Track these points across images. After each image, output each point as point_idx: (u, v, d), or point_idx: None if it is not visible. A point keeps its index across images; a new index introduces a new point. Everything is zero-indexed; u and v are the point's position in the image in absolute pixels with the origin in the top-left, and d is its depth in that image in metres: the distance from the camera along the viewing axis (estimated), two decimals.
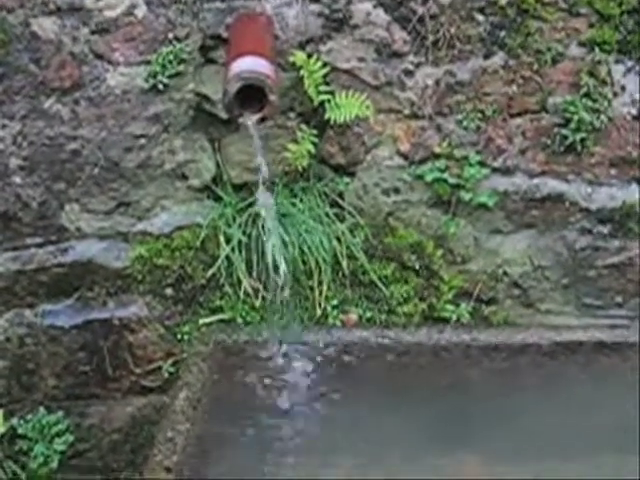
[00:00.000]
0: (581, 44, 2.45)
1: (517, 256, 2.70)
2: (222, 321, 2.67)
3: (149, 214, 2.60)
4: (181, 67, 2.45)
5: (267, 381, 2.48)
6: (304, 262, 2.60)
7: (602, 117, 2.47)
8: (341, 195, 2.66)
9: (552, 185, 2.61)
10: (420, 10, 2.44)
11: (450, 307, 2.72)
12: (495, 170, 2.59)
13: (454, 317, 2.71)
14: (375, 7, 2.44)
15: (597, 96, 2.46)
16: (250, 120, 2.13)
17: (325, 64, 2.47)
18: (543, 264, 2.70)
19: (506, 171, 2.60)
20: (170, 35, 2.43)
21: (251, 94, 2.13)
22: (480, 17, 2.44)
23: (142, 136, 2.51)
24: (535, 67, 2.46)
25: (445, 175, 2.55)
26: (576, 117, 2.46)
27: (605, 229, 2.64)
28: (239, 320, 2.67)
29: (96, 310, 2.66)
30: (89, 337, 2.67)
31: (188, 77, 2.48)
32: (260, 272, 2.60)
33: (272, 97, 2.07)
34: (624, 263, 2.68)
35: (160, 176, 2.57)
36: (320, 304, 2.66)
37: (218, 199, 2.63)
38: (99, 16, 2.38)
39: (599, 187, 2.61)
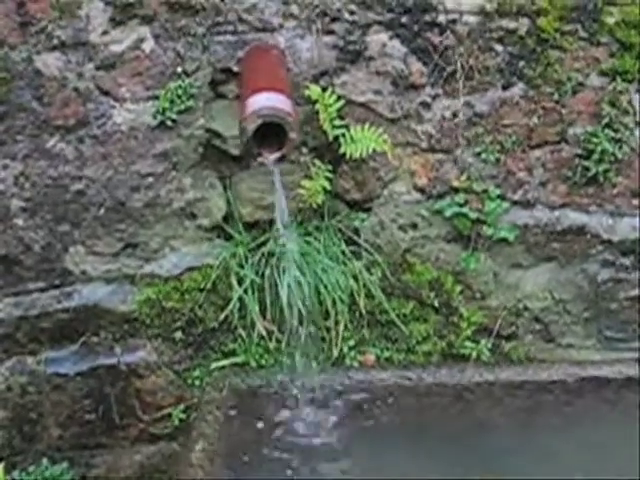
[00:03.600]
0: (602, 73, 2.39)
1: (538, 290, 2.63)
2: (235, 365, 2.56)
3: (157, 255, 2.49)
4: (190, 102, 2.35)
5: (285, 431, 2.37)
6: (320, 302, 2.50)
7: (624, 147, 2.41)
8: (357, 231, 2.57)
9: (573, 217, 2.54)
10: (437, 41, 2.37)
11: (470, 344, 2.63)
12: (515, 203, 2.52)
13: (474, 354, 2.62)
14: (391, 38, 2.37)
15: (619, 126, 2.40)
16: (269, 159, 2.03)
17: (339, 97, 2.39)
18: (564, 298, 2.63)
19: (526, 204, 2.53)
20: (179, 69, 2.33)
21: (268, 131, 2.04)
22: (499, 47, 2.38)
23: (149, 175, 2.41)
24: (555, 97, 2.40)
25: (465, 210, 2.47)
26: (599, 148, 2.40)
27: (627, 261, 2.58)
28: (253, 363, 2.56)
29: (102, 356, 2.53)
30: (95, 384, 2.54)
31: (198, 113, 2.38)
32: (274, 313, 2.50)
33: (293, 135, 1.98)
34: None
35: (168, 216, 2.46)
36: (337, 344, 2.56)
37: (229, 238, 2.53)
38: (105, 51, 2.28)
39: (621, 218, 2.54)
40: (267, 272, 2.49)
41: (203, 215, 2.49)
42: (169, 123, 2.35)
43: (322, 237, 2.55)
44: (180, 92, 2.33)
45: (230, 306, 2.48)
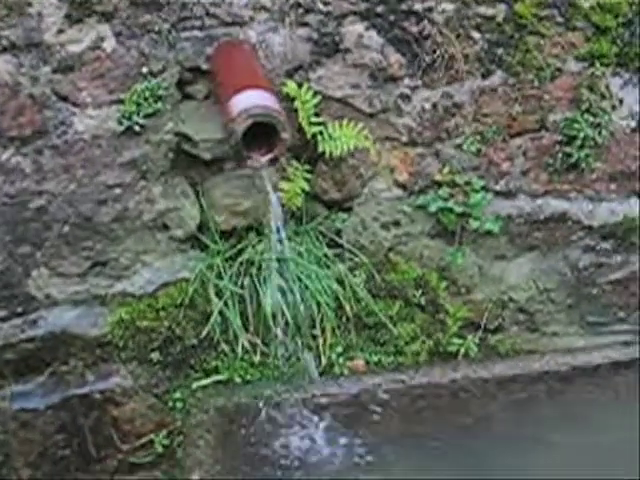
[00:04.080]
0: (579, 58, 2.36)
1: (522, 281, 2.59)
2: (219, 382, 2.40)
3: (128, 272, 2.30)
4: (158, 105, 2.17)
5: (282, 448, 2.23)
6: (305, 309, 2.37)
7: (603, 132, 2.40)
8: (338, 233, 2.46)
9: (555, 205, 2.51)
10: (414, 30, 2.27)
11: (457, 341, 2.57)
12: (497, 194, 2.47)
13: (462, 350, 2.56)
14: (367, 29, 2.26)
15: (597, 111, 2.38)
16: (260, 162, 1.89)
17: (316, 93, 2.26)
18: (548, 287, 2.60)
19: (509, 194, 2.48)
20: (144, 69, 2.15)
21: (256, 132, 1.89)
22: (477, 35, 2.31)
23: (116, 186, 2.21)
24: (535, 84, 2.35)
25: (450, 204, 2.40)
26: (581, 134, 2.37)
27: (608, 245, 2.57)
28: (237, 380, 2.40)
29: (73, 385, 2.32)
30: (67, 417, 2.33)
31: (166, 116, 2.20)
32: (257, 325, 2.37)
33: (285, 135, 1.84)
34: (627, 278, 2.62)
35: (139, 229, 2.27)
36: (325, 352, 2.45)
37: (205, 249, 2.37)
38: (61, 52, 2.07)
39: (600, 203, 2.53)
40: (247, 282, 2.35)
41: (176, 226, 2.31)
42: (136, 129, 2.16)
43: (302, 241, 2.43)
44: (147, 94, 2.14)
45: (210, 321, 2.32)
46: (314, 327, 2.42)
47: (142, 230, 2.28)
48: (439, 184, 2.43)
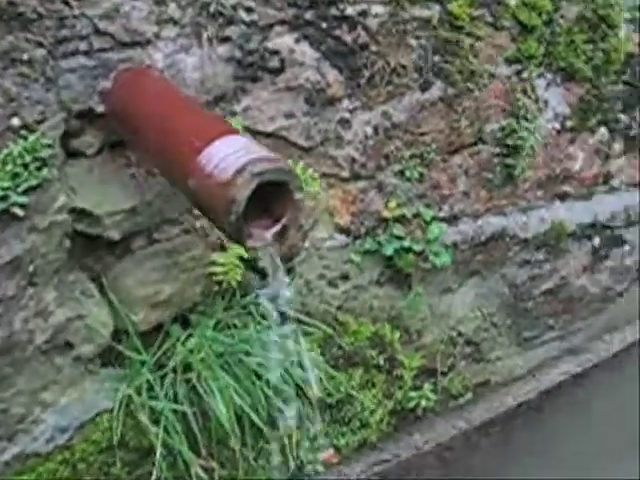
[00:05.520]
0: (508, 61, 2.13)
1: (468, 311, 2.33)
2: None
3: (25, 424, 1.53)
4: (43, 172, 1.45)
5: None
6: (264, 407, 1.83)
7: (537, 137, 2.21)
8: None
9: (494, 222, 2.28)
10: (349, 39, 1.84)
11: (413, 394, 2.23)
12: (442, 220, 2.15)
13: (422, 402, 2.22)
14: (298, 41, 1.76)
15: (531, 115, 2.18)
16: (266, 237, 1.31)
17: (243, 129, 1.71)
18: (490, 311, 2.38)
19: (453, 219, 2.18)
20: (14, 122, 1.41)
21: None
22: (413, 41, 1.95)
23: None
24: (473, 93, 2.07)
25: (407, 242, 2.02)
26: (520, 142, 2.15)
27: (540, 255, 2.42)
28: None
29: None
30: None
31: (55, 187, 1.48)
32: (209, 443, 1.77)
33: (299, 196, 1.29)
34: (557, 285, 2.50)
35: (32, 358, 1.52)
36: (293, 452, 1.92)
37: (125, 362, 1.68)
38: None
39: (531, 212, 2.36)
40: (184, 391, 1.73)
41: (82, 341, 1.60)
42: (16, 211, 1.41)
43: (243, 321, 1.86)
44: (26, 159, 1.41)
45: (156, 457, 1.66)
46: (275, 427, 1.88)
47: (36, 358, 1.52)
48: (387, 221, 2.03)
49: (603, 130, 2.40)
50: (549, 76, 2.22)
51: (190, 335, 1.78)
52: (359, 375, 2.08)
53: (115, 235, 1.58)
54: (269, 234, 1.31)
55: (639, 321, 2.63)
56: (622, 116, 2.42)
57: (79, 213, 1.54)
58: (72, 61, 1.47)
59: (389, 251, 2.01)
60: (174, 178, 1.37)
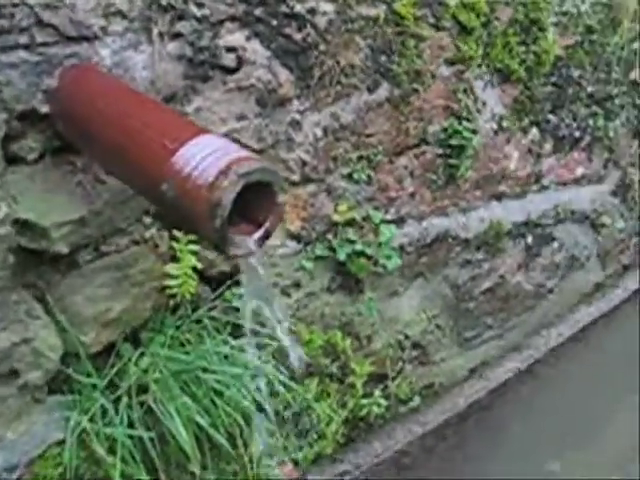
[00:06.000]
0: (449, 62, 2.13)
1: (414, 314, 2.31)
2: None
3: None
4: None
5: None
6: (222, 423, 1.73)
7: (478, 138, 2.23)
8: (236, 310, 1.83)
9: (437, 224, 2.27)
10: (298, 37, 1.77)
11: (365, 401, 2.19)
12: (389, 223, 2.12)
13: (374, 410, 2.19)
14: (249, 39, 1.68)
15: (472, 116, 2.19)
16: (248, 245, 1.21)
17: None
18: (435, 312, 2.38)
19: (400, 221, 2.16)
20: None
21: None
22: (361, 41, 1.91)
23: None
24: (417, 93, 2.06)
25: (359, 246, 1.97)
26: (462, 143, 2.16)
27: (480, 255, 2.44)
28: None
29: None
30: None
31: None
32: (168, 468, 1.65)
33: (281, 198, 1.21)
34: (496, 283, 2.53)
35: None
36: (252, 469, 1.83)
37: (75, 387, 1.54)
38: None
39: (471, 213, 2.38)
40: (141, 414, 1.61)
41: (28, 367, 1.44)
42: None
43: (197, 336, 1.75)
44: None
45: None
46: (235, 446, 1.78)
47: None
48: (337, 225, 1.98)
49: (535, 130, 2.45)
50: (487, 77, 2.25)
51: (142, 354, 1.65)
52: (315, 385, 2.01)
53: (63, 249, 1.44)
54: (252, 241, 1.22)
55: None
56: (551, 117, 2.48)
57: (22, 225, 1.39)
58: (12, 55, 1.32)
59: (342, 256, 1.95)
60: (140, 184, 1.25)
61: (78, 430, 1.51)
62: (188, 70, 1.59)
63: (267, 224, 1.23)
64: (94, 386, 1.56)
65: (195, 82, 1.62)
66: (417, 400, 2.35)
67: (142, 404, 1.61)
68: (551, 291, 2.75)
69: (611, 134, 2.71)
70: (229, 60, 1.66)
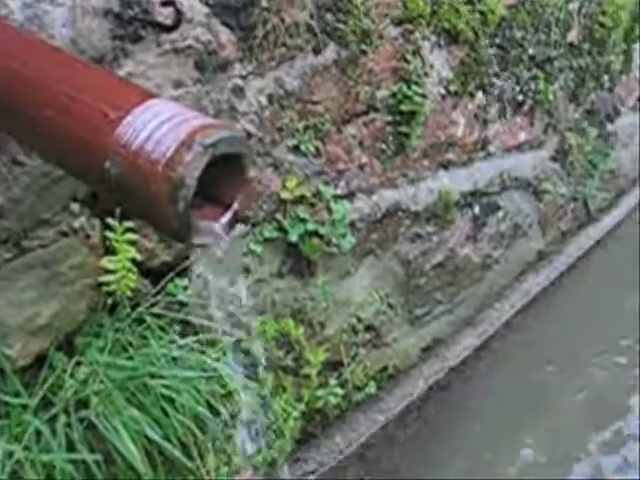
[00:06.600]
0: (396, 22, 1.97)
1: (366, 294, 2.16)
2: None
3: None
4: None
5: None
6: (175, 434, 1.53)
7: (428, 103, 2.08)
8: (182, 305, 1.62)
9: (388, 197, 2.13)
10: None
11: (321, 392, 2.04)
12: (341, 198, 1.96)
13: (331, 400, 2.04)
14: None
15: (420, 80, 2.05)
16: (216, 230, 1.00)
17: None
18: (387, 291, 2.24)
19: (350, 195, 1.99)
20: None
21: None
22: None
23: None
24: (367, 56, 1.89)
25: (312, 225, 1.80)
26: (413, 108, 2.01)
27: (430, 228, 2.31)
28: None
29: None
30: None
31: None
32: None
33: (253, 173, 1.01)
34: (447, 257, 2.42)
35: None
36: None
37: (2, 409, 1.29)
38: None
39: (419, 183, 2.24)
40: (83, 434, 1.39)
41: None
42: None
43: (136, 338, 1.54)
44: None
45: None
46: (191, 457, 1.58)
47: None
48: (286, 203, 1.79)
49: (480, 95, 2.34)
50: (433, 38, 2.10)
51: (79, 363, 1.42)
52: (270, 381, 1.83)
53: None
54: (219, 226, 1.02)
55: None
56: (496, 80, 2.37)
57: None
58: None
59: (294, 237, 1.77)
60: (75, 163, 1.02)
61: (10, 462, 1.27)
62: (116, 28, 1.36)
63: (235, 205, 1.03)
64: (24, 407, 1.32)
65: (125, 43, 1.38)
66: (372, 385, 2.22)
67: (82, 421, 1.39)
68: (497, 262, 2.67)
69: (551, 97, 2.64)
70: (164, 17, 1.43)
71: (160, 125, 0.95)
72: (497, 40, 2.33)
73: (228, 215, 1.02)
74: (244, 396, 1.73)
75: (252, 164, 1.01)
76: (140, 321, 1.54)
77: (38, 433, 1.32)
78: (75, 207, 1.41)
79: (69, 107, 1.00)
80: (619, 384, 2.25)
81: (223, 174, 1.00)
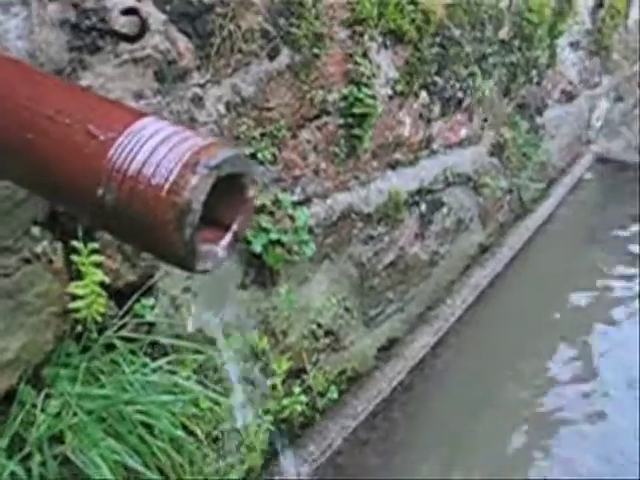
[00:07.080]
0: (345, 23, 1.96)
1: (324, 299, 2.15)
2: None
3: None
4: None
5: None
6: (153, 460, 1.47)
7: (378, 105, 2.08)
8: (150, 325, 1.56)
9: (341, 200, 2.11)
10: None
11: (286, 402, 2.01)
12: (299, 205, 1.93)
13: (297, 408, 2.02)
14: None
15: (370, 82, 2.04)
16: (217, 253, 0.95)
17: None
18: (343, 295, 2.23)
19: (306, 201, 1.97)
20: None
21: None
22: (258, 1, 1.67)
23: None
24: (319, 59, 1.87)
25: (275, 234, 1.76)
26: (363, 110, 2.01)
27: (382, 228, 2.32)
28: None
29: None
30: None
31: None
32: None
33: (253, 193, 0.97)
34: (398, 256, 2.43)
35: None
36: None
37: None
38: None
39: (370, 185, 2.24)
40: (59, 471, 1.32)
41: None
42: None
43: (106, 365, 1.46)
44: None
45: None
46: None
47: None
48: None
49: (424, 94, 2.36)
50: (380, 39, 2.09)
51: (48, 396, 1.34)
52: (240, 394, 1.79)
53: None
54: (220, 248, 0.97)
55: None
56: (437, 79, 2.40)
57: None
58: None
59: (258, 248, 1.73)
60: (64, 191, 0.95)
61: None
62: (73, 39, 1.28)
63: (235, 226, 0.98)
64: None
65: (83, 54, 1.30)
66: (334, 390, 2.20)
67: (57, 458, 1.31)
68: (443, 257, 2.71)
69: (487, 93, 2.69)
70: (120, 25, 1.35)
71: (157, 146, 0.90)
72: (438, 39, 2.35)
73: (228, 237, 0.98)
74: (216, 415, 1.69)
75: (253, 183, 0.97)
76: (109, 346, 1.46)
77: (13, 474, 1.24)
78: (36, 231, 1.32)
79: (49, 129, 0.93)
80: (568, 370, 2.34)
81: (222, 194, 0.96)
